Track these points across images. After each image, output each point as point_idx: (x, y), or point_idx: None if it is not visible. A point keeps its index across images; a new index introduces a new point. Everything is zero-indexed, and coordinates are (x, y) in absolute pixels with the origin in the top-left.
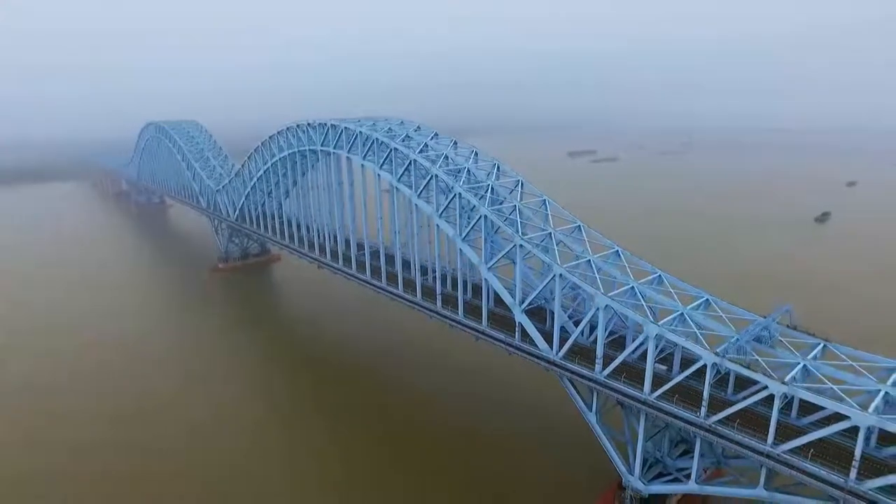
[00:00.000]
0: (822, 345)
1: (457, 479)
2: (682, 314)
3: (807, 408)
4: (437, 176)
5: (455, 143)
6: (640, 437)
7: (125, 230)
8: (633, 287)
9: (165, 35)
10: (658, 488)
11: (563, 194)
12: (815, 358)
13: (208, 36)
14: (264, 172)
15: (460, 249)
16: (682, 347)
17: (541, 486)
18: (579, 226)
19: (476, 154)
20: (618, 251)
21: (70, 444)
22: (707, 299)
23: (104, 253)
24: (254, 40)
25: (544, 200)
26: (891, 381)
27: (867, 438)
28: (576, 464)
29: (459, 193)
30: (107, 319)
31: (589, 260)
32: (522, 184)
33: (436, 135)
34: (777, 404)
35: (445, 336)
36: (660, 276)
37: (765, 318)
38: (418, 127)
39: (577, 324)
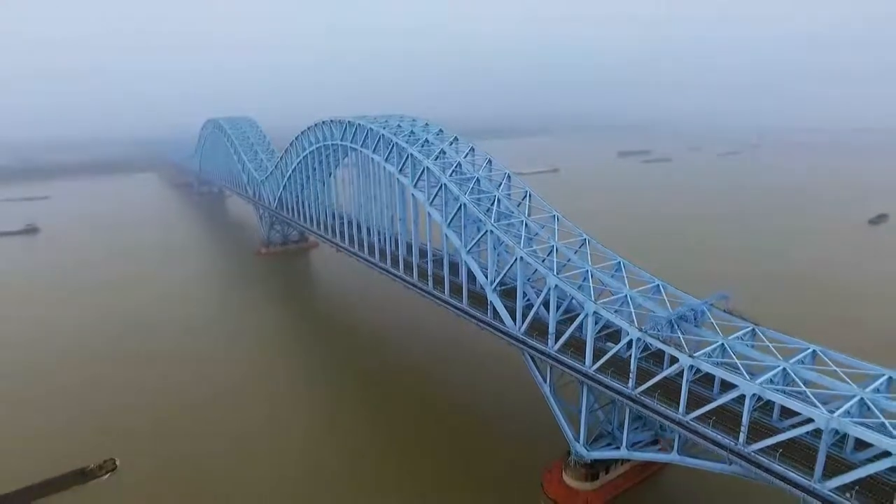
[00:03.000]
0: (751, 328)
1: (443, 449)
2: (626, 296)
3: (727, 384)
4: (428, 168)
5: (456, 139)
6: (584, 406)
7: (187, 216)
8: (587, 271)
9: (168, 38)
10: (597, 454)
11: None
12: (741, 339)
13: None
14: (297, 165)
15: (445, 234)
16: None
17: (515, 454)
18: (555, 216)
19: (473, 149)
20: (586, 240)
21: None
22: (657, 285)
23: (167, 236)
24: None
25: (527, 193)
26: (795, 359)
27: (768, 409)
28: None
29: (445, 184)
30: (163, 305)
31: (554, 246)
32: (510, 177)
33: (440, 131)
34: (686, 376)
35: (439, 315)
36: (620, 263)
37: (701, 301)
38: (426, 124)
39: (546, 304)
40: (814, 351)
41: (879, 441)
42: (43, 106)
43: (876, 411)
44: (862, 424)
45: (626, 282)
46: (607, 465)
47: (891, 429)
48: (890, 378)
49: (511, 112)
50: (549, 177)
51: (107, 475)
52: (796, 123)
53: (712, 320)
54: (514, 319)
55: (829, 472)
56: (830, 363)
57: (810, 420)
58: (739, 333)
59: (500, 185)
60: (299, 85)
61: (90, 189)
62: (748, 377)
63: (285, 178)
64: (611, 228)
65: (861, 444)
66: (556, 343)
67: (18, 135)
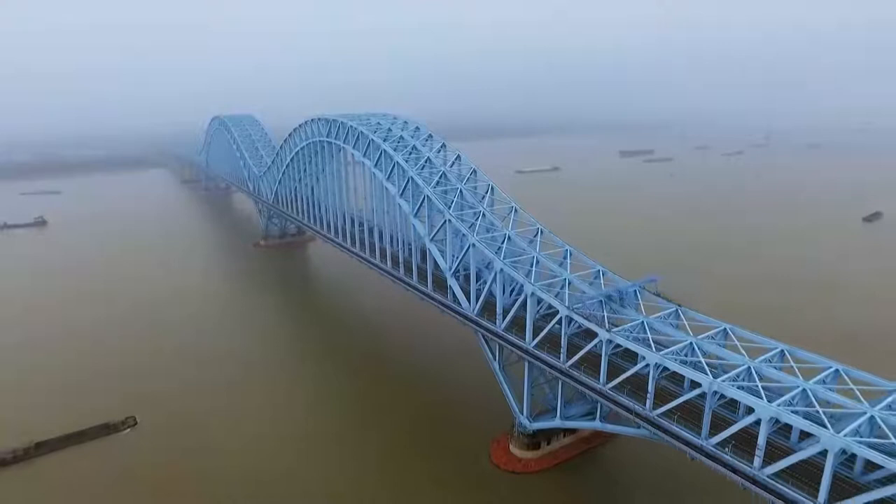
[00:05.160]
0: (674, 309)
1: (411, 426)
2: (565, 279)
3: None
4: (398, 163)
5: (430, 136)
6: (526, 380)
7: (191, 211)
8: (534, 257)
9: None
10: (538, 424)
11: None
12: (664, 318)
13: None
14: (291, 160)
15: (413, 224)
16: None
17: (471, 426)
18: (514, 208)
19: (444, 146)
20: (540, 230)
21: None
22: (599, 270)
23: (169, 230)
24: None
25: (490, 186)
26: (705, 335)
27: (678, 379)
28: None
29: (412, 178)
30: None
31: (507, 234)
32: (475, 171)
33: (417, 129)
34: (605, 349)
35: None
36: (567, 250)
37: (630, 284)
38: (405, 122)
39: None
40: (725, 329)
41: (746, 399)
42: (56, 105)
43: (756, 377)
44: (742, 388)
45: (570, 267)
46: (549, 436)
47: (761, 390)
48: (782, 351)
49: (511, 112)
50: (548, 175)
51: (128, 430)
52: (803, 122)
53: (640, 301)
54: (469, 302)
55: (717, 432)
56: (737, 340)
57: (700, 385)
58: (663, 313)
59: (465, 180)
60: (303, 85)
61: (103, 184)
62: (654, 350)
63: (280, 173)
64: (596, 226)
65: (750, 408)
66: (503, 322)
67: (34, 133)
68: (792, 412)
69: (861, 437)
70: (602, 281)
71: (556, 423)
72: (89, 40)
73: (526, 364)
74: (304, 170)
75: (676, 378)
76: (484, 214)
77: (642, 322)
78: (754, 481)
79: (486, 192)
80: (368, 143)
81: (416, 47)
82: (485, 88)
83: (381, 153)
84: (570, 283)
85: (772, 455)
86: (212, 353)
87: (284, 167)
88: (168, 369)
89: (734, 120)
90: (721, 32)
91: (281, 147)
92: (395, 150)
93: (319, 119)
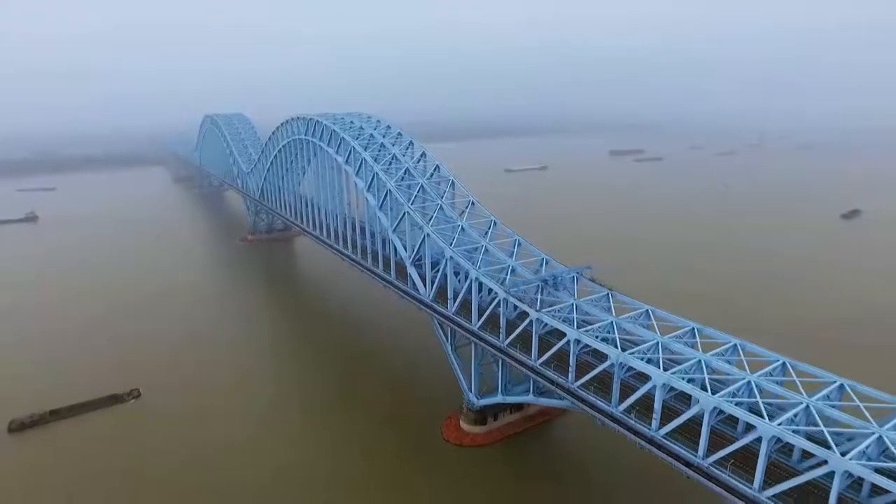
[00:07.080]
0: (606, 293)
1: (378, 407)
2: (510, 266)
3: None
4: (365, 160)
5: (399, 133)
6: (473, 359)
7: (187, 207)
8: (483, 246)
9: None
10: (484, 401)
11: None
12: (596, 301)
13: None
14: (275, 157)
15: (378, 217)
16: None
17: (429, 405)
18: (472, 201)
19: (412, 143)
20: (494, 221)
21: None
22: (543, 258)
23: (159, 226)
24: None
25: (451, 181)
26: (627, 315)
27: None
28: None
29: (377, 173)
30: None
31: (461, 226)
32: (439, 168)
33: (388, 128)
34: (535, 328)
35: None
36: (517, 240)
37: (567, 269)
38: (378, 122)
39: (456, 274)
40: (647, 310)
41: (645, 369)
42: (57, 105)
43: (660, 350)
44: (647, 360)
45: (518, 256)
46: (496, 413)
47: (661, 362)
48: (693, 329)
49: (511, 112)
50: (536, 173)
51: (132, 400)
52: (799, 123)
53: (576, 287)
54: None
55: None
56: (654, 320)
57: (608, 357)
58: (594, 296)
59: (429, 175)
60: (304, 84)
61: (99, 181)
62: (575, 328)
63: (265, 170)
64: (569, 220)
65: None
66: (453, 306)
67: (35, 132)
68: (688, 380)
69: (739, 398)
70: (545, 268)
71: (499, 398)
72: (90, 40)
73: (473, 344)
74: (287, 167)
75: (599, 354)
76: (442, 207)
77: (572, 304)
78: (651, 441)
79: (447, 187)
80: (340, 141)
81: (415, 47)
82: (484, 89)
83: (350, 150)
84: (514, 270)
85: (669, 418)
86: (205, 350)
87: (269, 164)
88: (165, 364)
89: (730, 120)
90: (720, 32)
91: (265, 145)
92: (364, 148)
93: (298, 118)
